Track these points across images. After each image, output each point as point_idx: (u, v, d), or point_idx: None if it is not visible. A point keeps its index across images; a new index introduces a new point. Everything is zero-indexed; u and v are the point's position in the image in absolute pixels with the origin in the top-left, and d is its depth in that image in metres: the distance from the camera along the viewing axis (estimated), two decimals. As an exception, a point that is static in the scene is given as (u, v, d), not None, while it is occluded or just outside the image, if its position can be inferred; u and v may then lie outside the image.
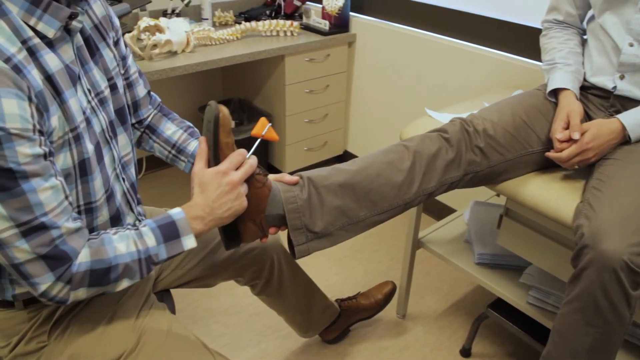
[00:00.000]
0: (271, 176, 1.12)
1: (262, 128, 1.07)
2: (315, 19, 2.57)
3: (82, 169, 0.90)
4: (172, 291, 1.32)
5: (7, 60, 0.75)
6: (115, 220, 1.02)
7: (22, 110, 0.75)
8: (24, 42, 0.79)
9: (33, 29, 0.81)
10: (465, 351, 1.75)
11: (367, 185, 1.16)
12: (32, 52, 0.80)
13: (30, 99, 0.77)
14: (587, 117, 1.36)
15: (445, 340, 1.83)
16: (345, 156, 2.92)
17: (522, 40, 1.92)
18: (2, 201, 0.75)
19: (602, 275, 1.03)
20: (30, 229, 0.78)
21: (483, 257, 1.62)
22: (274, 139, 1.10)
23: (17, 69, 0.76)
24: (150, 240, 0.91)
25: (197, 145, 1.17)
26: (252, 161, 1.02)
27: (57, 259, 0.81)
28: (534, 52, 1.90)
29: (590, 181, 1.20)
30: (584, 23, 1.45)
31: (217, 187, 0.96)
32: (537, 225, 1.35)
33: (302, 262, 2.10)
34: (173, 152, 1.19)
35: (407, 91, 2.41)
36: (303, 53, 2.42)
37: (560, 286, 1.42)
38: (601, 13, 1.32)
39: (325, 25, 2.51)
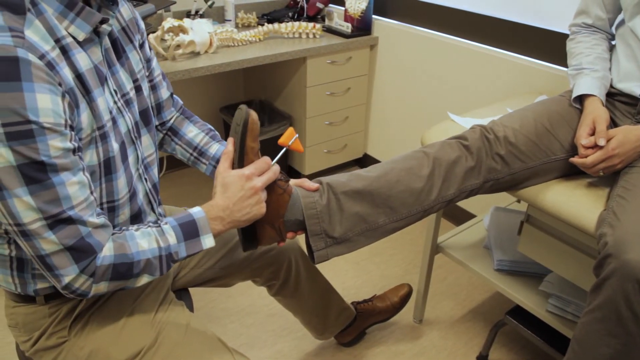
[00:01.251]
0: (292, 181, 1.13)
1: (289, 138, 1.08)
2: (337, 21, 2.57)
3: (107, 167, 0.92)
4: (190, 290, 1.33)
5: (41, 57, 0.77)
6: (136, 218, 1.03)
7: (55, 105, 0.77)
8: (57, 40, 0.81)
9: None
10: (482, 358, 1.73)
11: (386, 192, 1.16)
12: (64, 51, 0.82)
13: (63, 95, 0.79)
14: (613, 124, 1.34)
15: (461, 347, 1.81)
16: (365, 159, 2.91)
17: (547, 45, 1.90)
18: (32, 193, 0.77)
19: (626, 285, 1.01)
20: (58, 222, 0.80)
21: (502, 263, 1.60)
22: (299, 150, 1.11)
23: (51, 66, 0.78)
24: (172, 237, 0.92)
25: (218, 148, 1.19)
26: (275, 169, 1.03)
27: (82, 251, 0.83)
28: (559, 57, 1.88)
29: (615, 189, 1.17)
30: (613, 28, 1.43)
31: (239, 190, 0.97)
32: (559, 232, 1.33)
33: (319, 265, 2.10)
34: (195, 154, 1.21)
35: (429, 95, 2.40)
36: (325, 55, 2.42)
37: (580, 295, 1.40)
38: (632, 17, 1.29)
39: (347, 27, 2.51)
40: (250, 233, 1.08)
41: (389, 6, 2.51)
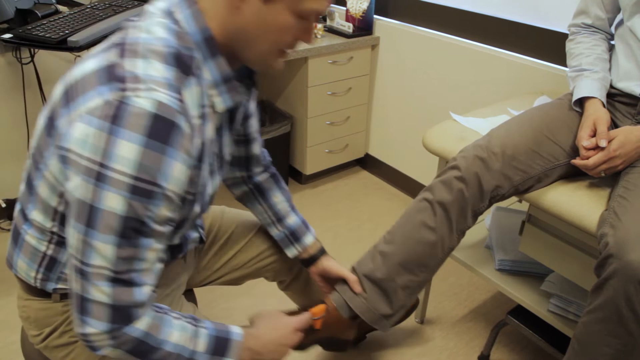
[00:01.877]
0: (334, 270, 1.32)
1: (318, 314, 1.26)
2: (339, 21, 2.57)
3: (179, 224, 0.91)
4: (193, 290, 1.33)
5: (190, 125, 0.77)
6: (173, 250, 1.07)
7: (182, 176, 0.77)
8: (202, 106, 0.82)
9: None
10: (484, 358, 1.74)
11: (413, 257, 1.31)
12: (203, 119, 0.83)
13: (190, 167, 0.79)
14: (614, 125, 1.34)
15: (463, 347, 1.81)
16: (367, 159, 2.92)
17: (548, 45, 1.90)
18: (119, 245, 0.76)
19: (627, 286, 1.01)
20: (121, 280, 0.79)
21: (504, 263, 1.60)
22: (316, 325, 1.27)
23: (192, 135, 0.78)
24: (202, 345, 0.90)
25: (295, 221, 1.28)
26: (300, 335, 1.11)
27: (123, 314, 0.80)
28: (559, 57, 1.88)
29: (616, 189, 1.18)
30: (612, 27, 1.43)
31: (284, 337, 1.04)
32: (560, 232, 1.33)
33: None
34: (273, 218, 1.28)
35: (430, 95, 2.40)
36: (326, 55, 2.42)
37: (582, 295, 1.40)
38: (631, 16, 1.30)
39: (349, 27, 2.51)
40: (339, 344, 1.34)
41: (390, 6, 2.52)
